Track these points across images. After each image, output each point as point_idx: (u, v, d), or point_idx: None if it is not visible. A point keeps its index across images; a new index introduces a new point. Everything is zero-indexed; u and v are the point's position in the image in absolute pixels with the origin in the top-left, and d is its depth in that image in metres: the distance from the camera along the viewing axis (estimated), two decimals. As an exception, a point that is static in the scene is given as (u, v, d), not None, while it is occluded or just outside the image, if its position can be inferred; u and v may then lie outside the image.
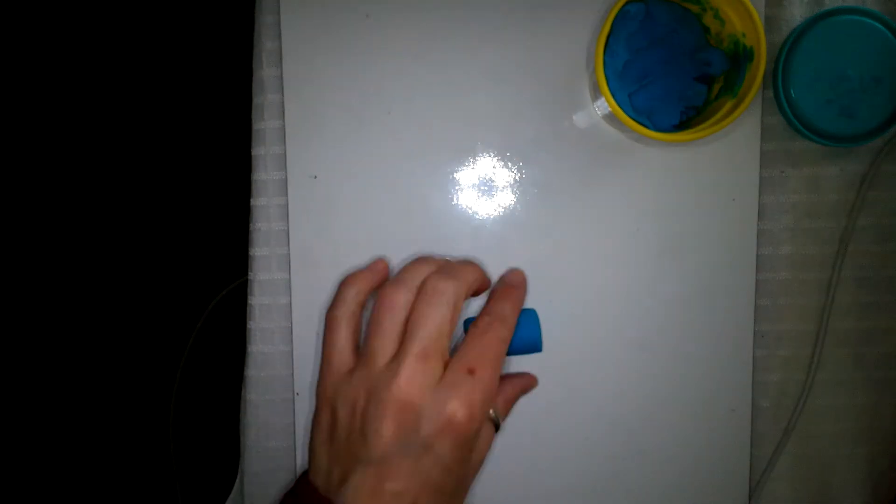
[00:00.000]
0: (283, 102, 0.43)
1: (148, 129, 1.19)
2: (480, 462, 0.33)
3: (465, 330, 0.35)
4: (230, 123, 1.08)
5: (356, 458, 0.30)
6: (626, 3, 0.37)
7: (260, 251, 0.45)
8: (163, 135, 1.19)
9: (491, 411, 0.32)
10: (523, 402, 0.44)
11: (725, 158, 0.42)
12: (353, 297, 0.34)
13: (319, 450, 0.32)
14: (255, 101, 0.45)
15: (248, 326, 0.46)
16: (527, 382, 0.37)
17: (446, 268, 0.33)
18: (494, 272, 0.44)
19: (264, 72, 0.44)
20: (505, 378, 0.35)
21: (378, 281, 0.36)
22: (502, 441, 0.44)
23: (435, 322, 0.31)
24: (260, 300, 0.45)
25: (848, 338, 0.44)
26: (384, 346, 0.31)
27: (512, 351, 0.35)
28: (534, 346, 0.35)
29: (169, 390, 1.00)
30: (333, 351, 0.33)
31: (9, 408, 1.20)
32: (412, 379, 0.30)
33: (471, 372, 0.30)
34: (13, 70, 1.18)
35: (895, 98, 0.40)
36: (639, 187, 0.43)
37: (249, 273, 0.45)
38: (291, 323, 0.44)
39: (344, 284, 0.35)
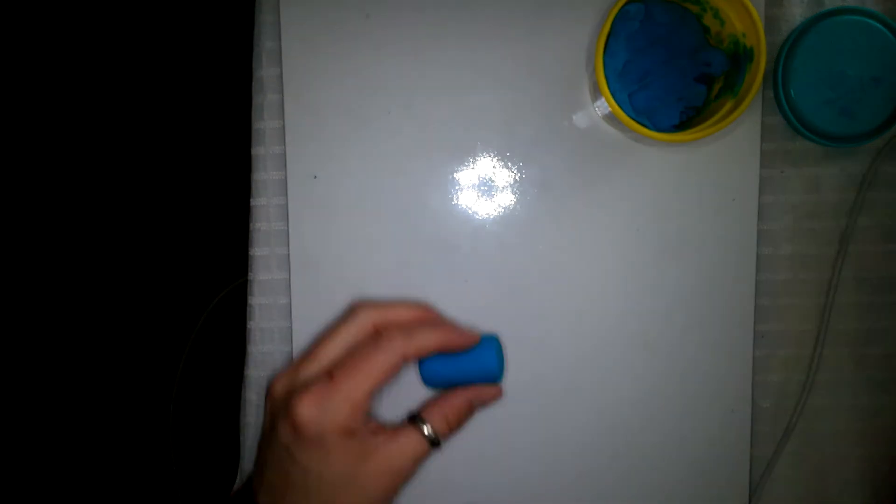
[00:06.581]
0: (283, 102, 0.43)
1: (148, 129, 1.19)
2: (391, 475, 0.31)
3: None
4: (230, 123, 1.07)
5: None
6: (626, 3, 0.37)
7: (260, 251, 0.45)
8: (163, 135, 1.19)
9: (426, 428, 0.32)
10: (523, 402, 0.44)
11: (725, 158, 0.42)
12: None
13: None
14: (255, 101, 0.45)
15: (248, 326, 0.46)
16: (477, 395, 0.34)
17: (408, 329, 0.32)
18: (495, 272, 0.44)
19: (264, 72, 0.44)
20: (454, 392, 0.34)
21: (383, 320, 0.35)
22: (502, 440, 0.44)
23: (358, 365, 0.31)
24: (260, 300, 0.45)
25: (848, 338, 0.44)
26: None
27: (468, 378, 0.34)
28: (490, 375, 0.34)
29: (169, 390, 1.00)
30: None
31: (9, 408, 1.20)
32: (280, 378, 0.32)
33: (329, 376, 0.31)
34: (13, 70, 1.18)
35: (895, 98, 0.40)
36: (639, 187, 0.43)
37: (249, 273, 0.45)
38: (291, 323, 0.44)
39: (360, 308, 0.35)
